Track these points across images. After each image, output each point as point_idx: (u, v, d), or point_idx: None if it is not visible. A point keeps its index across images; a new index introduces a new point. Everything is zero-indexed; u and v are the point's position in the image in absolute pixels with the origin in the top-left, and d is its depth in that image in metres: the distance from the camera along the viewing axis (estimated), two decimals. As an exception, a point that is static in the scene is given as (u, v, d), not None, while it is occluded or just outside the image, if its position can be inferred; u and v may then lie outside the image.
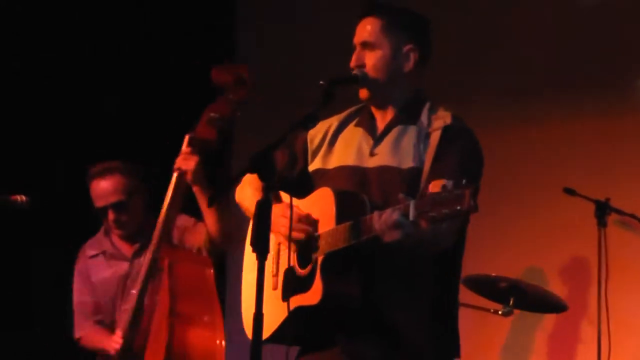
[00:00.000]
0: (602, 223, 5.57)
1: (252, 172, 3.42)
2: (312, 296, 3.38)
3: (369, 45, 3.57)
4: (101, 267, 4.98)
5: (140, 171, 5.00)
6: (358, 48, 3.58)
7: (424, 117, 3.55)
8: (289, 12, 7.01)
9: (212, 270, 4.69)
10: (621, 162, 5.94)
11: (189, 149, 4.53)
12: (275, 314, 3.46)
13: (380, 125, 3.61)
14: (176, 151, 4.59)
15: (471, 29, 6.40)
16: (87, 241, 5.08)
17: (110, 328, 4.90)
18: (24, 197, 4.09)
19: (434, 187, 3.26)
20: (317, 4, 6.90)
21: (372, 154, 3.56)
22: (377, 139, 3.58)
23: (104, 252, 5.00)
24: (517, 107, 6.23)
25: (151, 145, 6.04)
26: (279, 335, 3.52)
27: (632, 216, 5.61)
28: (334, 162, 3.63)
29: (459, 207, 3.00)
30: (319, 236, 3.44)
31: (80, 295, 5.02)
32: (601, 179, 5.89)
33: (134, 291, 4.72)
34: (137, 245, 4.95)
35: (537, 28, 6.26)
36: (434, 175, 3.36)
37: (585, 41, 6.11)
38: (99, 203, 4.91)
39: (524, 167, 6.11)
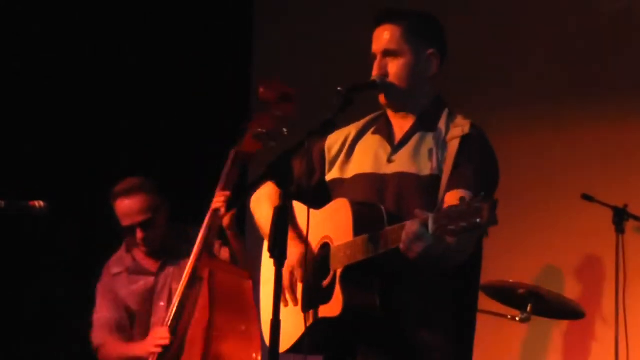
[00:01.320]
0: (619, 229, 5.55)
1: (269, 179, 3.43)
2: (333, 308, 3.38)
3: (391, 53, 3.55)
4: (126, 283, 5.01)
5: (157, 186, 5.02)
6: (379, 57, 3.56)
7: (442, 124, 3.54)
8: (307, 17, 7.01)
9: (250, 282, 4.71)
10: (638, 168, 5.92)
11: (226, 193, 4.57)
12: (295, 326, 3.46)
13: (398, 132, 3.60)
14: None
15: (490, 34, 6.40)
16: (110, 258, 5.10)
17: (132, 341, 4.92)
18: (42, 203, 4.09)
19: (451, 198, 3.28)
20: (335, 9, 6.90)
21: (390, 161, 3.55)
22: (396, 146, 3.56)
23: (127, 269, 5.02)
24: (535, 113, 6.21)
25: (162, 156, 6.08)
26: (299, 346, 3.51)
27: (650, 222, 5.59)
28: (351, 170, 3.61)
29: (477, 221, 3.00)
30: (334, 248, 3.43)
31: (104, 311, 5.02)
32: (619, 185, 5.87)
33: (162, 303, 4.75)
34: (161, 260, 4.98)
35: (557, 33, 6.24)
36: (452, 185, 3.36)
37: (606, 47, 6.09)
38: (126, 222, 4.92)
39: (541, 173, 6.10)
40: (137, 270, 5.00)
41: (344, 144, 3.68)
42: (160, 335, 4.73)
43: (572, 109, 6.13)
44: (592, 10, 6.20)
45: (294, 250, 3.45)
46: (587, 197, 5.60)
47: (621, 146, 6.00)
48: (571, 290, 5.90)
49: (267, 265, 3.74)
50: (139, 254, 5.03)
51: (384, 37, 3.57)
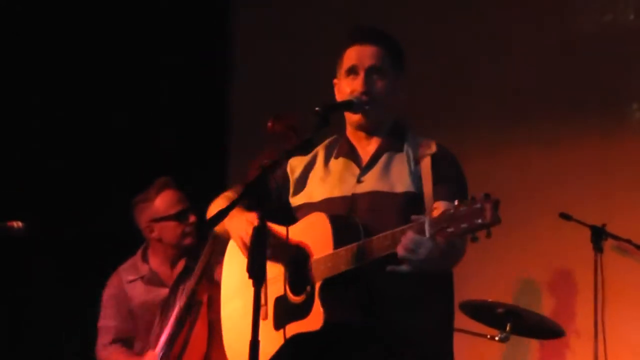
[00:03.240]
0: (598, 248, 5.57)
1: (248, 198, 3.42)
2: (312, 322, 3.38)
3: (378, 70, 3.59)
4: (141, 292, 5.01)
5: None
6: (363, 73, 3.58)
7: (409, 145, 3.59)
8: (286, 20, 7.05)
9: None
10: (617, 187, 5.95)
11: None
12: (268, 344, 3.44)
13: (364, 153, 3.64)
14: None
15: (468, 52, 6.42)
16: (121, 265, 5.12)
17: (140, 353, 4.92)
18: (20, 224, 4.08)
19: (439, 207, 3.31)
20: (315, 13, 6.94)
21: (359, 181, 3.57)
22: (365, 167, 3.60)
23: (142, 277, 5.03)
24: (514, 132, 6.24)
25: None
26: None
27: (628, 242, 5.60)
28: (319, 195, 3.63)
29: (479, 221, 3.03)
30: (313, 262, 3.44)
31: (110, 320, 5.03)
32: (597, 204, 5.89)
33: (172, 319, 4.75)
34: (177, 269, 5.00)
35: (537, 49, 6.27)
36: (437, 197, 3.40)
37: (585, 66, 6.12)
38: (177, 207, 5.01)
39: (520, 192, 6.11)
40: (154, 280, 5.02)
41: (306, 169, 3.71)
42: (149, 358, 4.77)
43: (551, 128, 6.15)
44: (573, 27, 6.24)
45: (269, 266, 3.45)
46: (565, 216, 5.62)
47: (600, 165, 6.02)
48: (549, 309, 5.91)
49: (230, 281, 3.77)
50: (156, 262, 5.05)
51: (369, 54, 3.60)
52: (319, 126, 3.45)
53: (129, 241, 5.17)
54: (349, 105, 3.57)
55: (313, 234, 3.48)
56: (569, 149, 6.12)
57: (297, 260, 3.51)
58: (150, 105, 6.65)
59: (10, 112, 6.16)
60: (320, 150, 3.74)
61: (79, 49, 6.44)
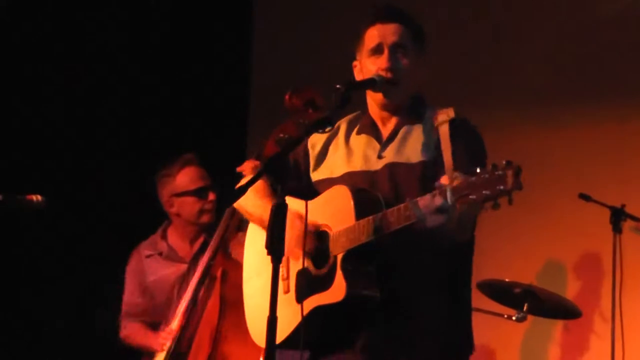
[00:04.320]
0: (617, 229, 5.56)
1: (268, 175, 3.42)
2: (334, 294, 3.38)
3: (403, 47, 3.58)
4: (158, 267, 5.07)
5: None
6: (387, 50, 3.57)
7: (428, 115, 3.59)
8: (305, 12, 7.03)
9: None
10: (637, 168, 5.93)
11: (255, 163, 4.61)
12: (288, 318, 3.46)
13: (385, 129, 3.64)
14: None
15: (491, 33, 6.41)
16: (141, 243, 5.17)
17: (159, 327, 4.97)
18: (39, 197, 4.08)
19: (458, 175, 3.27)
20: (333, 5, 6.92)
21: (380, 157, 3.58)
22: (385, 142, 3.60)
23: (160, 253, 5.08)
24: (534, 114, 6.23)
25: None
26: (293, 339, 3.49)
27: (647, 222, 5.60)
28: (340, 170, 3.63)
29: (501, 187, 3.03)
30: (335, 234, 3.44)
31: (130, 295, 5.10)
32: (617, 185, 5.88)
33: (188, 294, 4.78)
34: (196, 246, 5.03)
35: (555, 34, 6.26)
36: (456, 163, 3.37)
37: (605, 48, 6.10)
38: (198, 184, 5.07)
39: (539, 173, 6.09)
40: (171, 257, 5.08)
41: (326, 144, 3.71)
42: (164, 336, 4.83)
43: (571, 110, 6.14)
44: (590, 12, 6.21)
45: (288, 235, 3.42)
46: (584, 197, 5.60)
47: (619, 147, 6.01)
48: (568, 289, 5.91)
49: (251, 261, 3.78)
50: (175, 239, 5.10)
51: (393, 31, 3.59)
52: (340, 104, 3.43)
53: (152, 217, 5.21)
54: (371, 83, 3.55)
55: (334, 206, 3.48)
56: (588, 130, 6.11)
57: (318, 233, 3.51)
58: (173, 83, 6.65)
59: (31, 87, 6.17)
60: (342, 125, 3.72)
61: (103, 28, 6.46)
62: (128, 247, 5.24)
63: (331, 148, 3.70)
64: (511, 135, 6.16)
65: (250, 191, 3.57)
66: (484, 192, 3.05)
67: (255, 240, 3.80)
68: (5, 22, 6.05)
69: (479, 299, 5.14)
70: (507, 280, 5.20)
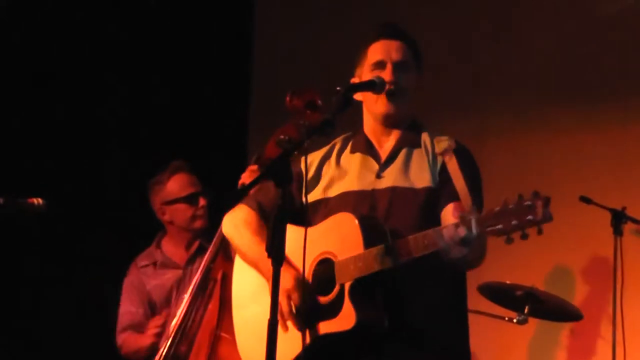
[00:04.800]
0: (618, 232, 5.55)
1: (268, 178, 3.42)
2: (343, 322, 3.37)
3: (405, 65, 3.61)
4: (154, 275, 5.12)
5: None
6: (390, 65, 3.58)
7: (425, 140, 3.61)
8: (306, 12, 7.03)
9: None
10: (637, 170, 5.93)
11: (255, 167, 4.62)
12: (289, 344, 3.42)
13: (381, 149, 3.64)
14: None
15: (486, 39, 6.40)
16: (138, 255, 5.21)
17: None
18: (40, 200, 4.08)
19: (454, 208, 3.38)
20: (333, 8, 6.92)
21: (379, 177, 3.58)
22: (385, 162, 3.60)
23: (154, 263, 5.12)
24: (534, 117, 6.22)
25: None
26: None
27: (649, 225, 5.59)
28: (335, 190, 3.62)
29: (530, 217, 3.05)
30: (341, 262, 3.42)
31: (128, 305, 5.10)
32: (617, 188, 5.87)
33: (185, 295, 4.79)
34: (191, 251, 5.07)
35: (555, 36, 6.25)
36: (452, 197, 3.43)
37: (602, 50, 6.09)
38: (189, 190, 5.09)
39: (540, 176, 6.10)
40: (165, 264, 5.11)
41: (320, 166, 3.69)
42: (153, 324, 4.86)
43: (571, 112, 6.14)
44: (590, 14, 6.20)
45: (287, 275, 3.44)
46: (585, 200, 5.59)
47: (620, 149, 6.00)
48: (569, 292, 5.90)
49: (241, 289, 3.76)
50: (170, 247, 5.13)
51: (396, 49, 3.62)
52: (341, 106, 3.43)
53: (153, 219, 5.21)
54: (371, 85, 3.56)
55: (339, 233, 3.46)
56: (588, 132, 6.10)
57: (323, 261, 3.49)
58: (172, 84, 6.64)
59: (30, 89, 6.17)
60: (337, 144, 3.73)
61: (103, 28, 6.45)
62: (129, 249, 5.24)
63: (325, 168, 3.69)
64: (511, 138, 6.16)
65: (243, 228, 3.60)
66: (512, 222, 3.07)
67: (244, 268, 3.77)
68: (5, 22, 6.04)
69: (479, 302, 5.14)
70: (508, 282, 5.20)
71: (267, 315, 3.12)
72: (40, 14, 6.22)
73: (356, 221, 3.42)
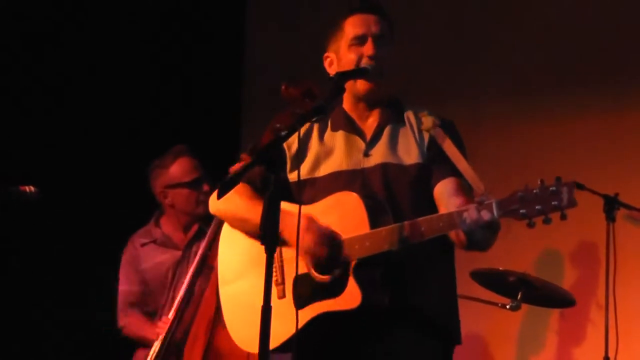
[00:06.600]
0: (610, 218, 5.56)
1: (260, 164, 3.41)
2: (347, 301, 3.36)
3: (384, 39, 3.59)
4: (152, 254, 5.09)
5: None
6: (371, 39, 3.57)
7: (409, 117, 3.60)
8: (300, 5, 7.02)
9: None
10: (630, 157, 5.93)
11: (248, 158, 4.61)
12: (284, 323, 3.38)
13: (365, 126, 3.63)
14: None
15: (476, 24, 6.39)
16: (136, 232, 5.17)
17: (156, 315, 4.97)
18: (32, 188, 4.07)
19: (450, 184, 3.39)
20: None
21: (367, 155, 3.57)
22: (371, 140, 3.59)
23: (154, 241, 5.09)
24: (525, 103, 6.22)
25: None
26: (289, 345, 3.47)
27: (640, 211, 5.60)
28: (323, 169, 3.61)
29: (555, 203, 3.07)
30: (347, 241, 3.40)
31: (126, 283, 5.11)
32: (610, 174, 5.88)
33: (185, 284, 4.79)
34: (191, 233, 5.05)
35: (545, 24, 6.24)
36: (446, 173, 3.45)
37: (592, 37, 6.09)
38: (193, 175, 5.08)
39: (532, 162, 6.10)
40: (165, 243, 5.08)
41: (303, 142, 3.66)
42: (160, 326, 4.83)
43: (563, 99, 6.13)
44: (580, 1, 6.20)
45: (306, 239, 3.40)
46: (577, 186, 5.55)
47: (612, 135, 6.01)
48: (562, 278, 5.91)
49: (227, 264, 3.74)
50: (169, 228, 5.12)
51: (374, 22, 3.60)
52: (334, 93, 3.43)
53: (144, 208, 5.20)
54: (364, 72, 3.55)
55: (343, 212, 3.44)
56: (581, 119, 6.10)
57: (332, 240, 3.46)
58: (165, 74, 6.63)
59: (22, 80, 6.16)
60: (314, 125, 3.70)
61: (98, 23, 6.45)
62: (122, 237, 5.23)
63: (309, 147, 3.66)
64: (504, 125, 6.16)
65: (236, 196, 3.57)
66: (536, 207, 3.08)
67: (231, 242, 3.75)
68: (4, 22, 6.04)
69: (472, 288, 5.15)
70: (500, 268, 5.20)
71: (256, 290, 3.08)
72: (36, 11, 6.21)
73: (361, 201, 3.40)
